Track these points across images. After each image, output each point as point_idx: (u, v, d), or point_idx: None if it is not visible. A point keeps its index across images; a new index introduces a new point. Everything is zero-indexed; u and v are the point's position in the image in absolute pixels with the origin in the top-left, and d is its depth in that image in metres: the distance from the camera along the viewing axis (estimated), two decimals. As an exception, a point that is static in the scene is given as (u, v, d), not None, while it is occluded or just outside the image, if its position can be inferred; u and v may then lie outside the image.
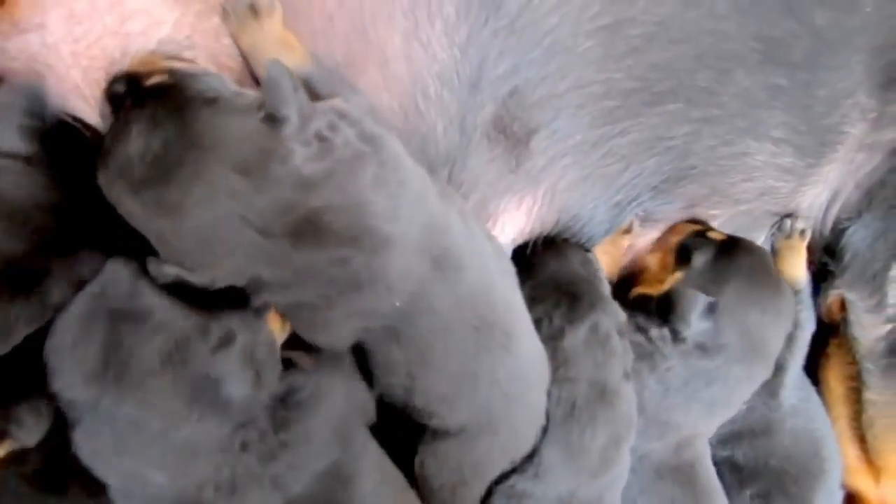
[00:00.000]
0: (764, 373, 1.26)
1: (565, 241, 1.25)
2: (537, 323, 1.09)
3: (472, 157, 1.13)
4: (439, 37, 1.05)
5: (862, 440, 1.40)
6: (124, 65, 0.91)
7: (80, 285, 0.87)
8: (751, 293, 1.22)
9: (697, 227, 1.29)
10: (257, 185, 0.81)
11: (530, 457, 1.08)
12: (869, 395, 1.37)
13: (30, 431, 0.87)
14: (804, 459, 1.34)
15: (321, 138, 0.84)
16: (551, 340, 1.10)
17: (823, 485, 1.34)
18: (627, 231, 1.28)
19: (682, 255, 1.26)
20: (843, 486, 1.40)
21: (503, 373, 1.00)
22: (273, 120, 0.81)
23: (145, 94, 0.84)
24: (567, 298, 1.13)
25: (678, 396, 1.20)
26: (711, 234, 1.27)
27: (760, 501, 1.34)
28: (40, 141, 0.87)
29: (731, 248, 1.25)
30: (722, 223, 1.35)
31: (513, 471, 1.08)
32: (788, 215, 1.35)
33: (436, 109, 1.08)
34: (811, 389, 1.39)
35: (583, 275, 1.18)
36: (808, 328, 1.35)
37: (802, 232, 1.35)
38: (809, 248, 1.40)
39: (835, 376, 1.42)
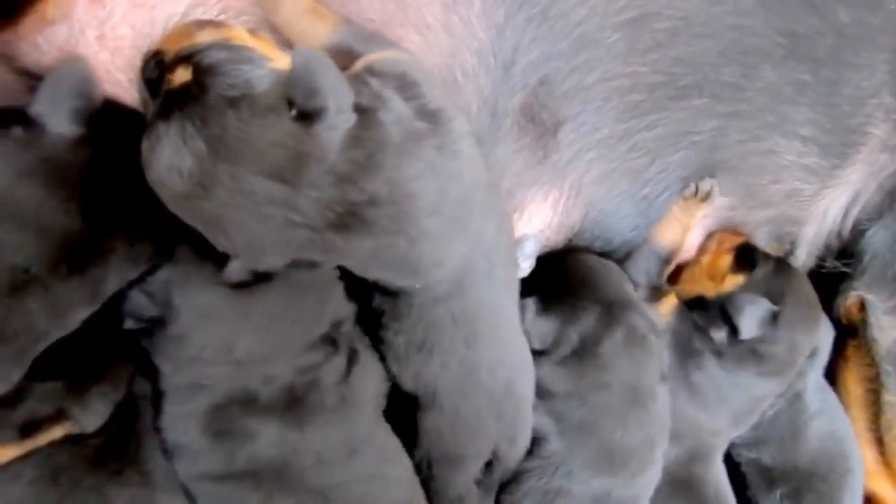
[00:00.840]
0: (782, 389, 1.28)
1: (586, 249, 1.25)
2: (570, 330, 1.10)
3: (501, 144, 1.12)
4: (478, 15, 1.05)
5: (880, 443, 1.39)
6: (153, 41, 0.90)
7: (133, 268, 0.88)
8: (804, 313, 1.25)
9: (744, 238, 1.30)
10: (296, 189, 0.81)
11: (565, 456, 1.09)
12: (888, 397, 1.37)
13: (93, 416, 0.90)
14: (830, 459, 1.34)
15: (361, 110, 0.83)
16: (589, 347, 1.10)
17: (850, 483, 1.34)
18: (705, 199, 1.24)
19: (744, 261, 1.26)
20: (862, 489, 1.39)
21: (455, 362, 0.99)
22: (305, 117, 0.80)
23: (171, 99, 0.83)
24: (601, 304, 1.12)
25: (712, 397, 1.21)
26: (768, 251, 1.29)
27: (791, 501, 1.33)
28: (90, 122, 0.86)
29: (787, 267, 1.28)
30: (752, 230, 1.33)
31: (547, 469, 1.09)
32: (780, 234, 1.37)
33: (472, 86, 1.08)
34: (829, 390, 1.38)
35: (614, 279, 1.17)
36: (828, 338, 1.35)
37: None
38: (824, 251, 1.40)
39: (853, 378, 1.41)
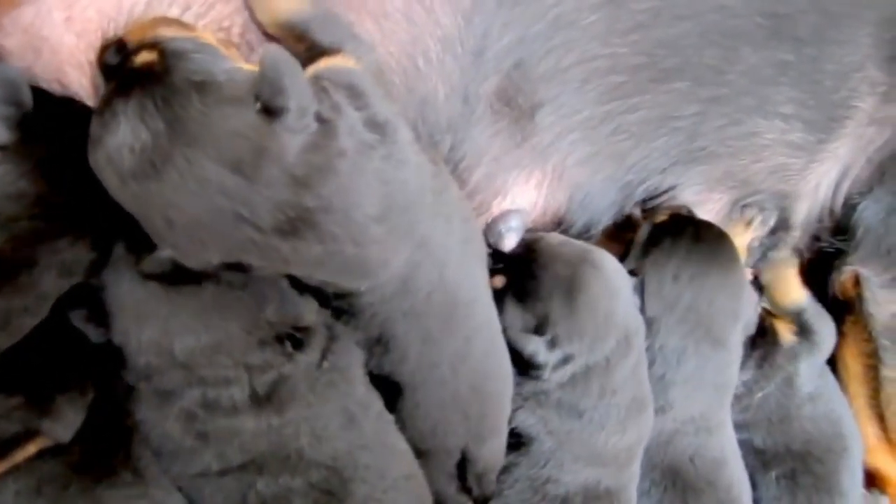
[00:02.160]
0: (716, 348, 1.21)
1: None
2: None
3: (476, 128, 1.12)
4: (442, 3, 1.04)
5: (881, 418, 1.37)
6: (119, 26, 0.90)
7: (69, 271, 0.87)
8: (667, 266, 1.20)
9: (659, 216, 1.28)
10: (251, 184, 0.78)
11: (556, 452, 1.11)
12: (887, 371, 1.35)
13: (65, 426, 0.88)
14: (826, 440, 1.32)
15: (322, 120, 0.82)
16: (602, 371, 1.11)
17: (847, 462, 1.32)
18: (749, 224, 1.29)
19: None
20: (863, 465, 1.37)
21: (412, 356, 1.01)
22: (269, 112, 0.78)
23: (133, 76, 0.82)
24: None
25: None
26: (658, 217, 1.26)
27: (787, 482, 1.32)
28: (20, 127, 0.84)
29: (663, 225, 1.24)
30: (735, 206, 1.33)
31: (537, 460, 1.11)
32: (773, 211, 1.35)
33: (437, 74, 1.07)
34: (826, 370, 1.37)
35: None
36: (829, 337, 1.35)
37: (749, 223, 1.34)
38: (818, 228, 1.40)
39: (851, 354, 1.40)
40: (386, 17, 1.03)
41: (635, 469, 1.16)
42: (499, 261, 1.15)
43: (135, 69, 0.82)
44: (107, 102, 0.81)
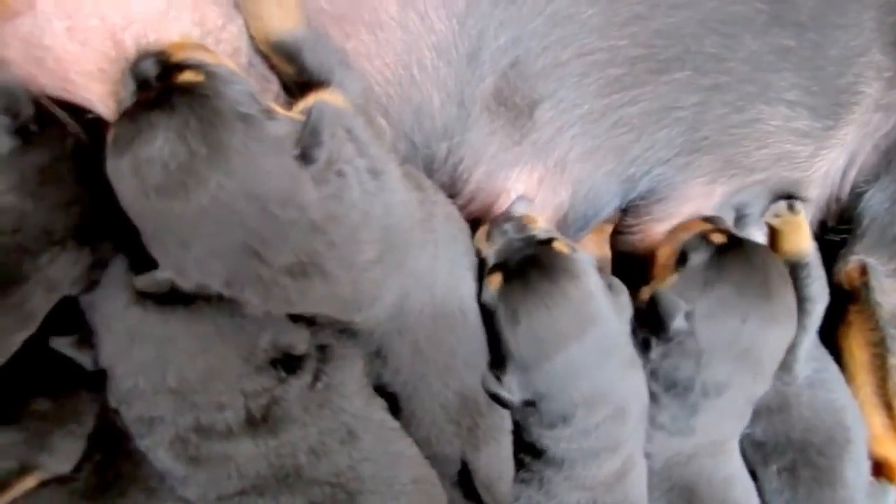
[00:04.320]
0: (756, 380, 1.19)
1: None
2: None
3: (472, 130, 1.11)
4: (437, 7, 1.03)
5: (888, 407, 1.36)
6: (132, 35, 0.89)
7: (53, 286, 0.87)
8: (732, 302, 1.15)
9: (706, 227, 1.23)
10: (273, 223, 0.81)
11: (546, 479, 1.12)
12: (894, 360, 1.34)
13: (62, 459, 0.89)
14: (827, 430, 1.31)
15: (340, 173, 0.86)
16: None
17: (850, 454, 1.31)
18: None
19: (682, 257, 1.21)
20: (870, 455, 1.36)
21: (406, 369, 1.03)
22: (304, 158, 0.82)
23: (175, 92, 0.81)
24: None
25: (667, 398, 1.17)
26: (714, 237, 1.20)
27: (787, 475, 1.31)
28: (14, 137, 0.84)
29: (728, 252, 1.18)
30: (740, 195, 1.31)
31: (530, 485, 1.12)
32: (782, 197, 1.31)
33: (432, 82, 1.07)
34: (828, 359, 1.35)
35: None
36: (821, 301, 1.30)
37: (791, 207, 1.30)
38: (825, 215, 1.38)
39: (857, 344, 1.38)
40: (381, 27, 1.02)
41: (632, 478, 1.15)
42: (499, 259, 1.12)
43: (178, 85, 0.82)
44: (141, 111, 0.80)
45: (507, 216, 1.14)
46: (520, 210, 1.15)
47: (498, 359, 1.07)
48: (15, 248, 0.84)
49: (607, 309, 1.08)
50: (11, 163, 0.83)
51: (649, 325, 1.15)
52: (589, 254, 1.14)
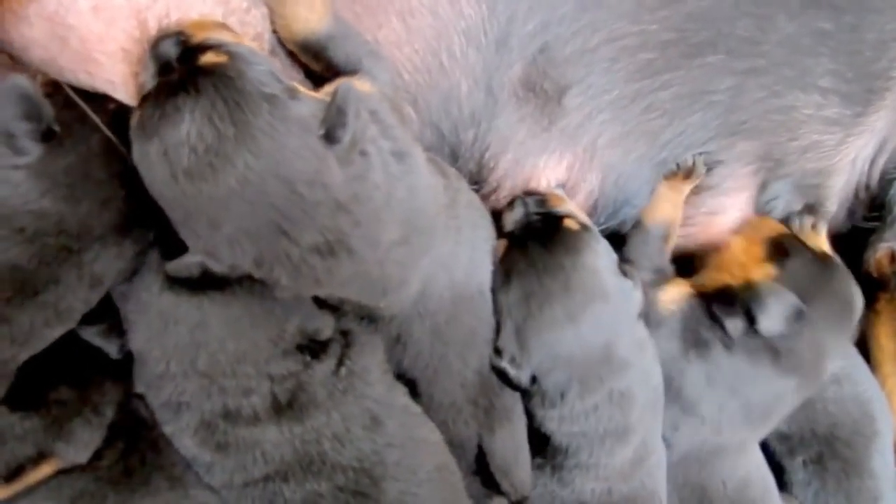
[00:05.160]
0: (809, 392, 1.22)
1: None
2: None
3: (500, 117, 1.11)
4: None
5: (916, 398, 1.36)
6: (155, 14, 0.88)
7: (98, 282, 0.87)
8: (836, 317, 1.19)
9: (783, 229, 1.25)
10: (300, 202, 0.81)
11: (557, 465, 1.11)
12: (922, 349, 1.33)
13: (79, 448, 0.89)
14: (853, 422, 1.30)
15: (364, 153, 0.86)
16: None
17: (877, 445, 1.31)
18: (687, 177, 1.22)
19: (778, 252, 1.22)
20: (897, 446, 1.36)
21: (426, 352, 1.04)
22: (329, 138, 0.82)
23: (199, 73, 0.81)
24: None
25: (718, 389, 1.16)
26: (810, 244, 1.23)
27: (815, 467, 1.31)
28: (41, 141, 0.83)
29: (828, 265, 1.22)
30: (772, 187, 1.29)
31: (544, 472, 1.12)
32: (805, 193, 1.30)
33: (460, 68, 1.07)
34: (853, 351, 1.34)
35: None
36: None
37: (814, 226, 1.27)
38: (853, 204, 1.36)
39: (885, 333, 1.37)
40: (412, 14, 1.02)
41: (648, 466, 1.14)
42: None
43: (201, 67, 0.82)
44: (166, 95, 0.80)
45: (533, 191, 1.15)
46: (550, 189, 1.16)
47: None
48: (54, 249, 0.84)
49: (609, 289, 1.07)
50: (41, 168, 0.83)
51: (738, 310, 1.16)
52: (660, 217, 1.20)
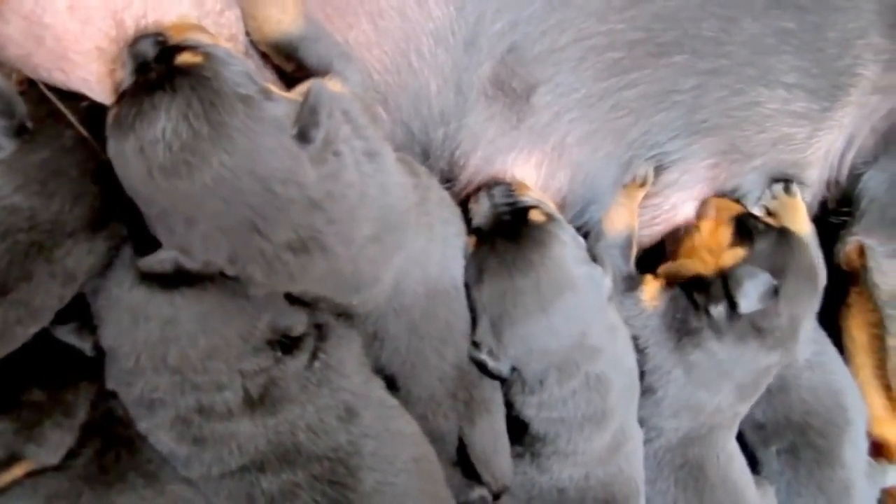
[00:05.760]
0: (788, 359, 1.26)
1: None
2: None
3: (470, 115, 1.13)
4: None
5: (888, 388, 1.37)
6: (132, 15, 0.90)
7: (71, 278, 0.88)
8: (804, 285, 1.23)
9: (741, 208, 1.29)
10: (274, 200, 0.82)
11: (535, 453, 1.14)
12: (893, 341, 1.35)
13: (51, 449, 0.90)
14: (826, 411, 1.32)
15: (337, 153, 0.87)
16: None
17: (849, 435, 1.33)
18: (643, 185, 1.25)
19: (743, 234, 1.25)
20: (869, 435, 1.38)
21: (403, 348, 1.06)
22: (302, 138, 0.84)
23: (175, 73, 0.82)
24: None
25: (712, 374, 1.20)
26: (769, 220, 1.28)
27: (788, 456, 1.33)
28: (14, 138, 0.84)
29: (789, 237, 1.26)
30: (740, 179, 1.32)
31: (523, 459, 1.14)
32: (778, 181, 1.33)
33: (429, 68, 1.08)
34: (826, 341, 1.37)
35: None
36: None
37: (788, 189, 1.32)
38: (824, 197, 1.39)
39: (857, 325, 1.40)
40: (381, 16, 1.04)
41: (626, 452, 1.17)
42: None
43: (178, 67, 0.83)
44: (143, 93, 0.81)
45: (498, 181, 1.17)
46: (512, 177, 1.18)
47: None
48: (30, 245, 0.84)
49: (576, 279, 1.10)
50: (14, 164, 0.84)
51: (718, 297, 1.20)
52: (620, 225, 1.23)
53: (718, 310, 1.19)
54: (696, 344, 1.20)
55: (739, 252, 1.23)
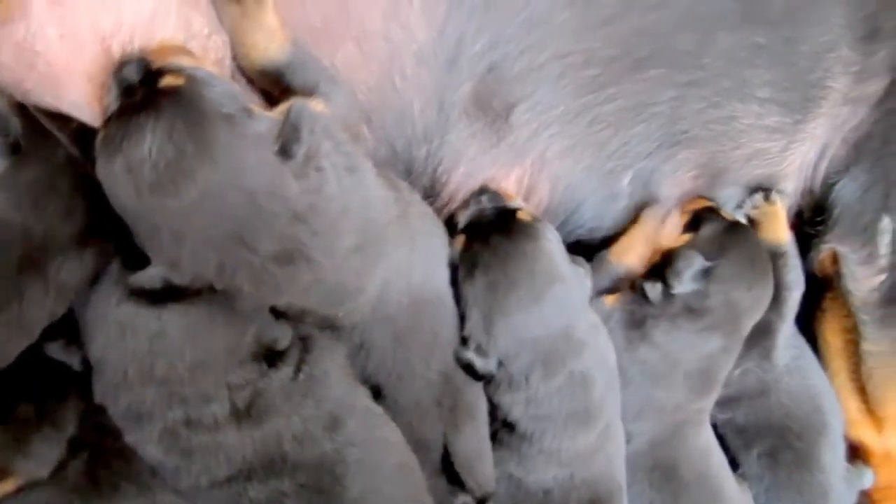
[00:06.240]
0: (736, 350, 1.28)
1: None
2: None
3: (451, 133, 1.15)
4: (418, 16, 1.07)
5: (862, 392, 1.40)
6: (121, 42, 0.93)
7: (60, 293, 0.90)
8: (742, 270, 1.25)
9: (712, 204, 1.32)
10: (260, 213, 0.85)
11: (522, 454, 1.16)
12: (866, 346, 1.37)
13: (39, 463, 0.90)
14: (805, 415, 1.35)
15: (319, 168, 0.90)
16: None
17: (827, 438, 1.35)
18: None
19: (693, 223, 1.29)
20: (846, 439, 1.41)
21: (389, 358, 1.08)
22: (284, 153, 0.87)
23: (160, 95, 0.86)
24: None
25: (661, 367, 1.23)
26: (724, 213, 1.30)
27: (768, 459, 1.35)
28: (8, 155, 0.86)
29: (739, 229, 1.28)
30: (718, 192, 1.35)
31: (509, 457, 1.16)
32: (758, 190, 1.36)
33: (413, 89, 1.11)
34: (805, 346, 1.40)
35: None
36: (797, 289, 1.36)
37: (768, 198, 1.35)
38: (799, 206, 1.42)
39: (831, 330, 1.43)
40: (366, 39, 1.06)
41: (609, 452, 1.19)
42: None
43: (161, 89, 0.86)
44: (129, 115, 0.84)
45: (486, 188, 1.20)
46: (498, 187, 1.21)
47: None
48: (21, 261, 0.86)
49: (565, 273, 1.14)
50: (7, 181, 0.86)
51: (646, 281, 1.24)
52: (630, 258, 1.28)
53: (655, 288, 1.22)
54: (642, 336, 1.22)
55: (683, 238, 1.28)
